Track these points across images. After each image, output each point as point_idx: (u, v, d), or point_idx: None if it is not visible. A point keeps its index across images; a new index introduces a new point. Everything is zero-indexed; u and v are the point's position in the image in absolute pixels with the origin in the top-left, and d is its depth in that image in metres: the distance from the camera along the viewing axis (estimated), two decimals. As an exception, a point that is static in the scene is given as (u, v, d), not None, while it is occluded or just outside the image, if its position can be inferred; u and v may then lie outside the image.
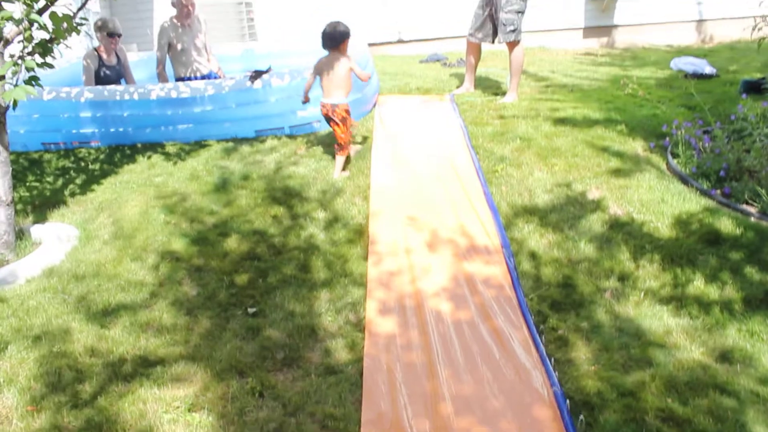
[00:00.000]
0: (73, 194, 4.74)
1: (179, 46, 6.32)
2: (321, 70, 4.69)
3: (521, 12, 6.11)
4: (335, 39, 4.63)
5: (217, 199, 4.40)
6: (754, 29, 4.01)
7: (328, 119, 4.71)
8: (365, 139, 5.26)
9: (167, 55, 6.40)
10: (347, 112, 4.66)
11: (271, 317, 3.22)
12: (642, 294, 3.27)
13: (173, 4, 6.29)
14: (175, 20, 6.35)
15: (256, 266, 3.65)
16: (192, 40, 6.37)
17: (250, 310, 3.27)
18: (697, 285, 3.31)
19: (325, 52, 4.69)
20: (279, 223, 4.08)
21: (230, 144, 5.27)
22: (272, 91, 5.41)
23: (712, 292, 3.25)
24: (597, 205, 4.07)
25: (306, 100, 4.86)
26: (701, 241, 3.65)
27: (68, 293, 3.49)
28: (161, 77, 6.44)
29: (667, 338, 2.94)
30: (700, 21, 11.15)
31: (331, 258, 3.70)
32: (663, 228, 3.80)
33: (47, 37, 3.96)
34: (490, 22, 6.31)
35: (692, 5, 11.06)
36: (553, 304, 3.23)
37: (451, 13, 10.43)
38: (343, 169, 4.72)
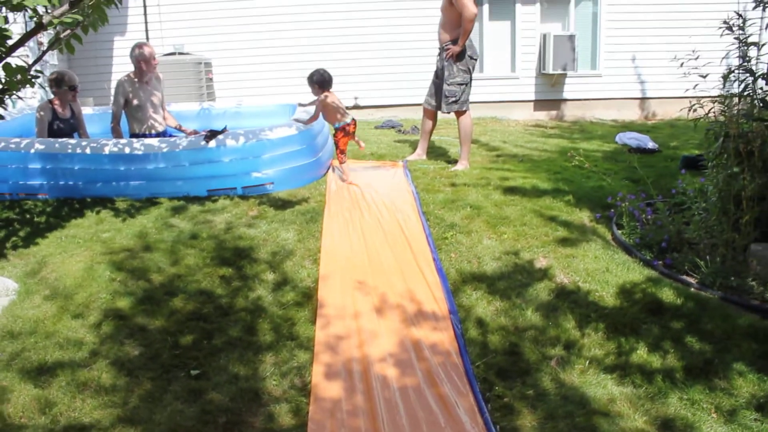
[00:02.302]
0: (15, 247, 4.61)
1: (135, 102, 6.31)
2: (327, 104, 6.00)
3: (465, 84, 6.31)
4: (330, 80, 6.06)
5: (164, 257, 4.33)
6: (690, 110, 4.23)
7: (345, 134, 6.04)
8: (318, 202, 5.28)
9: (123, 111, 6.37)
10: None
11: (214, 380, 3.15)
12: (587, 362, 3.31)
13: (133, 60, 6.31)
14: (132, 76, 6.35)
15: (201, 327, 3.58)
16: (149, 97, 6.37)
17: (193, 372, 3.20)
18: (640, 354, 3.37)
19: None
20: (227, 283, 4.03)
21: (181, 202, 5.22)
22: (226, 151, 5.41)
23: (655, 360, 3.31)
24: (544, 274, 4.14)
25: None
26: (644, 310, 3.73)
27: (2, 350, 3.36)
28: (115, 132, 6.39)
29: (611, 406, 2.97)
30: (643, 99, 11.69)
31: (278, 321, 3.66)
32: (608, 297, 3.88)
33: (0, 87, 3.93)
34: (440, 92, 6.49)
35: (636, 84, 11.61)
36: (500, 372, 3.24)
37: (407, 81, 10.72)
38: None
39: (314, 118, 6.13)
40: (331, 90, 6.09)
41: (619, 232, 4.75)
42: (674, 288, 3.91)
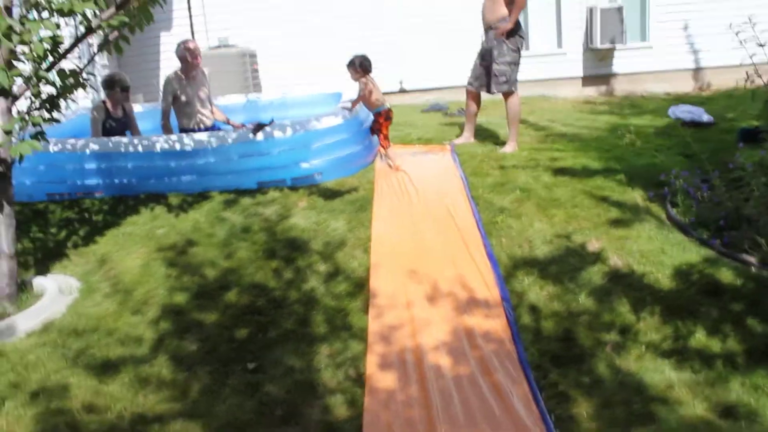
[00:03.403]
0: (75, 246, 4.77)
1: (183, 98, 6.42)
2: (371, 88, 6.06)
3: (514, 63, 6.22)
4: (371, 65, 6.14)
5: (217, 251, 4.42)
6: (747, 80, 4.08)
7: (386, 119, 6.11)
8: (367, 190, 5.29)
9: (171, 107, 6.49)
10: None
11: (270, 373, 3.21)
12: (643, 347, 3.25)
13: (179, 58, 6.41)
14: (179, 73, 6.46)
15: (256, 320, 3.65)
16: (196, 92, 6.47)
17: (250, 366, 3.27)
18: (699, 338, 3.29)
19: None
20: (280, 276, 4.09)
21: (232, 196, 5.30)
22: (275, 143, 5.47)
23: (714, 344, 3.23)
24: (597, 257, 4.08)
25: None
26: (702, 292, 3.64)
27: (68, 347, 3.49)
28: (165, 129, 6.52)
29: (670, 393, 2.92)
30: (698, 69, 11.30)
31: (331, 312, 3.70)
32: (663, 279, 3.80)
33: (54, 92, 4.04)
34: (486, 73, 6.41)
35: (689, 54, 11.23)
36: (554, 359, 3.22)
37: (452, 63, 10.57)
38: None
39: (357, 101, 6.17)
40: (370, 75, 6.12)
41: (674, 210, 4.62)
42: (733, 268, 3.80)
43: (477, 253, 4.22)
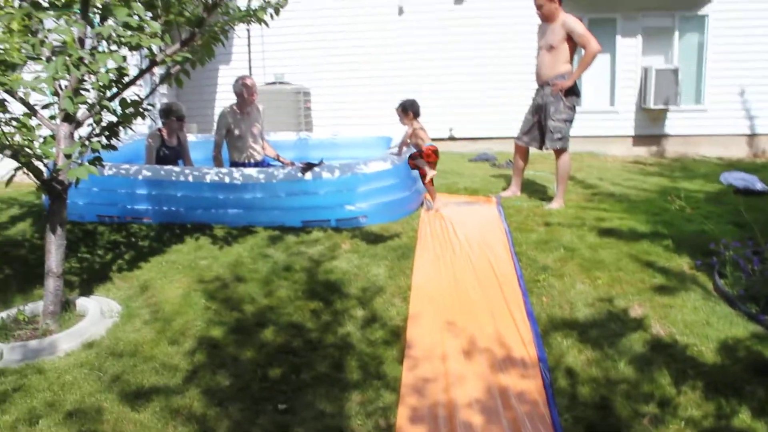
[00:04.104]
0: (120, 269, 4.87)
1: (236, 132, 6.56)
2: (419, 132, 6.17)
3: (569, 121, 6.22)
4: (419, 109, 6.25)
5: (258, 288, 4.46)
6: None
7: (436, 154, 6.15)
8: (410, 238, 5.30)
9: (224, 140, 6.64)
10: None
11: (301, 415, 3.20)
12: (683, 423, 3.14)
13: (235, 93, 6.58)
14: (235, 107, 6.62)
15: (290, 360, 3.65)
16: (249, 128, 6.62)
17: (281, 407, 3.25)
18: (743, 418, 3.17)
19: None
20: (317, 317, 4.10)
21: (276, 232, 5.37)
22: (322, 183, 5.54)
23: (760, 427, 3.10)
24: (639, 324, 3.99)
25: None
26: (748, 369, 3.52)
27: (105, 371, 3.54)
28: (216, 161, 6.66)
29: (709, 474, 2.81)
30: (753, 135, 11.16)
31: (366, 358, 3.68)
32: (707, 352, 3.69)
33: (115, 120, 4.18)
34: (538, 129, 6.42)
35: (744, 120, 11.11)
36: (589, 426, 3.13)
37: (502, 114, 10.66)
38: None
39: (403, 144, 6.24)
40: (418, 120, 6.24)
41: (722, 281, 4.50)
42: (782, 346, 3.68)
43: (517, 310, 4.17)
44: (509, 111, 10.21)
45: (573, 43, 6.10)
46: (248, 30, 10.74)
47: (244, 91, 6.52)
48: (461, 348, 3.78)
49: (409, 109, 6.16)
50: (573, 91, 6.16)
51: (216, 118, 10.99)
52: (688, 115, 11.12)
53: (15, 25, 3.90)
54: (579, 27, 6.05)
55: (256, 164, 6.60)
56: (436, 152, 6.18)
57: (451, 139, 11.20)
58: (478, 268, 4.77)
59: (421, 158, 6.15)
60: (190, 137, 7.67)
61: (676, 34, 11.05)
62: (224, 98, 10.99)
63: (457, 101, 11.12)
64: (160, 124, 6.75)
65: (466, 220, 5.86)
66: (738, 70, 10.92)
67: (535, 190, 7.07)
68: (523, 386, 3.43)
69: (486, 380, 3.48)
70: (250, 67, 11.00)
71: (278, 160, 6.86)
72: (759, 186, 7.25)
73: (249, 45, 11.00)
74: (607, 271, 4.65)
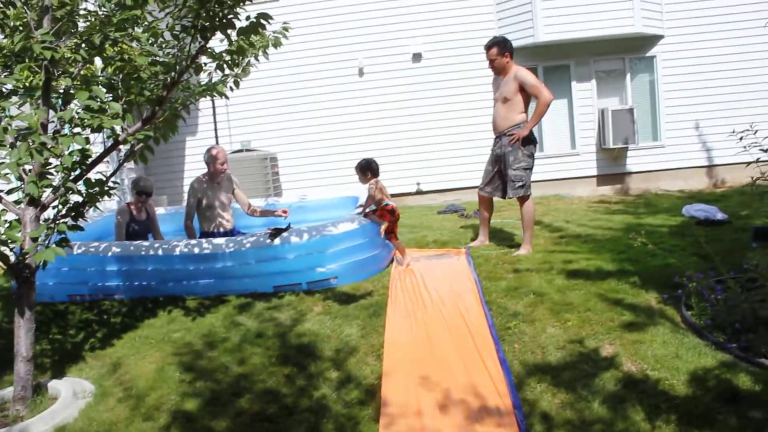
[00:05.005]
0: (92, 348, 4.83)
1: (205, 202, 6.62)
2: (381, 189, 6.25)
3: (529, 168, 6.37)
4: (378, 168, 6.37)
5: (231, 356, 4.45)
6: (754, 182, 4.15)
7: (391, 214, 6.21)
8: (381, 295, 5.34)
9: (195, 210, 6.69)
10: None
11: (279, 483, 3.18)
12: (659, 459, 3.19)
13: (205, 163, 6.65)
14: (204, 177, 6.69)
15: (267, 428, 3.63)
16: (218, 197, 6.68)
17: (259, 476, 3.24)
18: (717, 448, 3.22)
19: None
20: (292, 382, 4.10)
21: (248, 299, 5.38)
22: (291, 248, 5.59)
23: (733, 456, 3.16)
24: (610, 362, 4.05)
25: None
26: (719, 399, 3.58)
27: (80, 455, 3.50)
28: (188, 230, 6.69)
29: None
30: (711, 167, 11.49)
31: (342, 420, 3.68)
32: (678, 385, 3.75)
33: (80, 200, 4.22)
34: (499, 178, 6.57)
35: (701, 152, 11.45)
36: (567, 470, 3.15)
37: (467, 164, 10.88)
38: None
39: (367, 204, 6.35)
40: (377, 179, 6.37)
41: (689, 313, 4.59)
42: (751, 373, 3.74)
43: (489, 359, 4.20)
44: (474, 161, 10.43)
45: (526, 93, 6.30)
46: (213, 101, 10.92)
47: (212, 162, 6.61)
48: (436, 402, 3.79)
49: (366, 169, 6.28)
50: (530, 140, 6.33)
51: (186, 189, 11.10)
52: (647, 152, 11.44)
53: (-21, 113, 3.97)
54: (530, 78, 6.27)
55: (226, 233, 6.64)
56: (392, 212, 6.27)
57: (419, 193, 11.37)
58: (450, 320, 4.82)
59: (388, 230, 6.27)
60: (160, 210, 7.71)
61: (628, 75, 11.44)
62: (193, 168, 11.10)
63: (422, 155, 11.34)
64: (129, 199, 6.78)
65: (436, 273, 5.93)
66: (691, 105, 11.32)
67: (502, 238, 7.18)
68: (500, 435, 3.45)
69: (463, 432, 3.50)
70: (216, 137, 11.14)
71: (274, 214, 6.90)
72: (719, 216, 7.44)
73: (214, 115, 11.16)
74: (576, 313, 4.73)
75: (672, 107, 11.37)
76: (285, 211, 6.77)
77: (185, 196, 10.99)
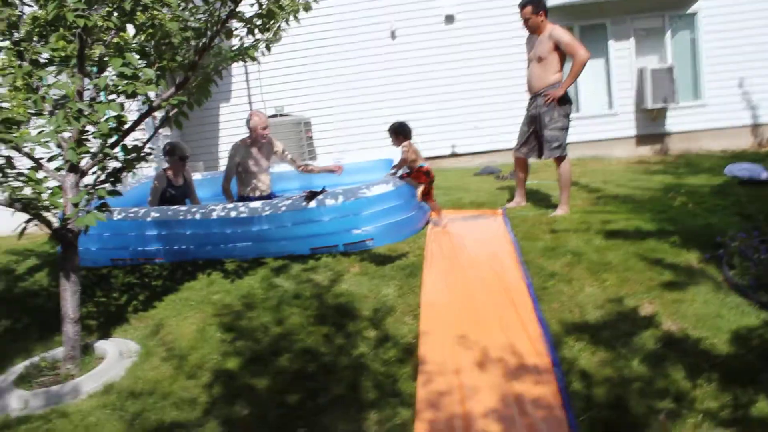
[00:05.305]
0: (136, 310, 4.94)
1: (244, 166, 6.64)
2: (415, 152, 6.22)
3: (565, 129, 6.27)
4: (410, 130, 6.33)
5: (270, 317, 4.51)
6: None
7: (427, 176, 6.20)
8: (417, 256, 5.35)
9: (234, 172, 6.73)
10: None
11: (320, 439, 3.24)
12: (700, 416, 3.16)
13: (248, 128, 6.66)
14: (246, 141, 6.70)
15: (306, 386, 3.70)
16: (258, 162, 6.70)
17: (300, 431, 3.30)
18: (761, 406, 3.18)
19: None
20: (330, 341, 4.15)
21: (286, 261, 5.43)
22: (327, 210, 5.61)
23: (778, 414, 3.12)
24: (650, 321, 4.01)
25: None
26: (763, 357, 3.54)
27: (125, 410, 3.60)
28: (226, 192, 6.73)
29: (729, 465, 2.82)
30: (755, 125, 11.16)
31: (380, 378, 3.72)
32: (720, 344, 3.71)
33: (118, 166, 4.28)
34: (535, 139, 6.48)
35: (745, 110, 11.12)
36: (606, 427, 3.15)
37: (503, 126, 10.74)
38: None
39: (399, 166, 6.33)
40: (411, 140, 6.32)
41: (731, 272, 4.52)
42: (795, 332, 3.69)
43: (527, 318, 4.20)
44: (509, 123, 10.29)
45: (562, 52, 6.18)
46: (245, 66, 10.92)
47: (254, 128, 6.63)
48: (474, 360, 3.81)
49: (399, 131, 6.25)
50: (565, 100, 6.22)
51: (220, 154, 11.19)
52: (688, 111, 11.15)
53: (19, 83, 4.04)
54: (566, 36, 6.13)
55: (263, 197, 6.68)
56: (427, 173, 6.24)
57: (454, 155, 11.28)
58: (487, 280, 4.81)
59: (424, 192, 6.25)
60: (196, 175, 7.78)
61: (668, 33, 11.12)
62: (227, 135, 11.17)
63: (457, 118, 11.23)
64: (164, 165, 6.85)
65: (472, 233, 5.91)
66: (735, 63, 10.97)
67: (539, 199, 7.11)
68: (538, 392, 3.46)
69: (501, 389, 3.51)
70: (249, 102, 11.16)
71: (331, 171, 7.02)
72: (764, 175, 7.23)
73: (247, 81, 11.18)
74: (615, 273, 4.68)
75: (714, 65, 11.03)
76: (339, 167, 6.83)
77: (221, 161, 11.14)
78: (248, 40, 4.96)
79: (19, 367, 4.17)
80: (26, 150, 4.02)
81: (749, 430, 3.03)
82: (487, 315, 4.32)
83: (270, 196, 6.78)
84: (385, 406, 3.46)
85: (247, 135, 6.74)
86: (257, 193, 6.74)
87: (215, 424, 3.41)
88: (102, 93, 4.08)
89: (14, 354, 4.43)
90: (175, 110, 4.54)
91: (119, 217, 5.84)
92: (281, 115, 10.18)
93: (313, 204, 5.60)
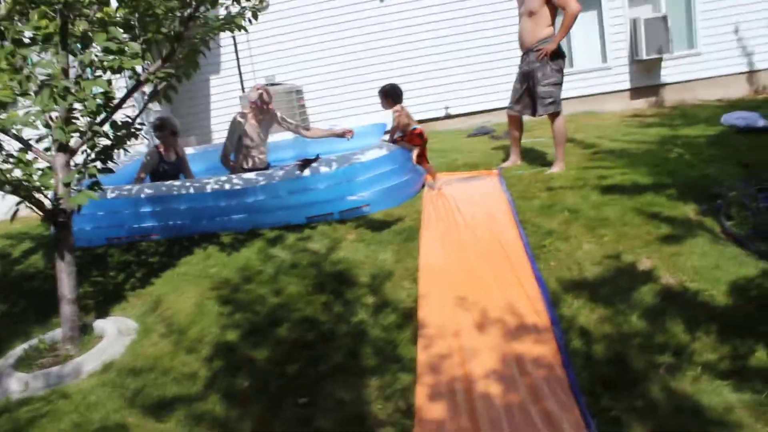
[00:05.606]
0: (133, 288, 4.93)
1: (245, 140, 6.56)
2: (406, 115, 6.20)
3: (559, 84, 6.19)
4: (401, 93, 6.30)
5: (268, 288, 4.50)
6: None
7: (420, 137, 6.17)
8: (414, 220, 5.32)
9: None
10: None
11: (321, 406, 3.24)
12: (699, 368, 3.15)
13: (252, 102, 6.53)
14: (248, 114, 6.59)
15: (306, 355, 3.70)
16: (259, 135, 6.62)
17: (301, 401, 3.30)
18: (760, 356, 3.18)
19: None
20: (329, 309, 4.14)
21: (282, 232, 5.41)
22: (321, 177, 5.56)
23: (777, 363, 3.11)
24: (648, 276, 4.00)
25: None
26: (761, 307, 3.52)
27: (126, 387, 3.61)
28: (228, 165, 6.65)
29: (729, 416, 2.82)
30: (751, 72, 11.03)
31: (380, 344, 3.72)
32: (719, 296, 3.70)
33: (109, 143, 4.23)
34: (528, 96, 6.40)
35: (741, 58, 10.98)
36: (606, 383, 3.15)
37: (496, 85, 10.62)
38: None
39: (393, 131, 6.27)
40: (401, 104, 6.27)
41: (729, 223, 4.49)
42: (795, 280, 3.67)
43: (525, 277, 4.19)
44: (502, 81, 10.18)
45: (553, 5, 6.06)
46: (233, 37, 10.75)
47: (252, 100, 6.52)
48: (473, 322, 3.80)
49: (389, 94, 6.17)
50: (558, 54, 6.13)
51: (213, 128, 11.08)
52: (683, 61, 11.01)
53: (3, 65, 3.95)
54: None
55: (260, 169, 6.61)
56: (420, 135, 6.18)
57: (447, 117, 11.17)
58: (484, 241, 4.79)
59: (419, 155, 6.18)
60: (189, 150, 7.71)
61: (661, -19, 10.93)
62: (218, 108, 11.05)
63: (449, 79, 11.08)
64: (157, 142, 6.78)
65: (468, 195, 5.87)
66: (728, 7, 10.78)
67: (535, 157, 7.06)
68: (538, 351, 3.46)
69: (500, 350, 3.51)
70: (240, 73, 11.01)
71: (341, 135, 6.78)
72: (761, 123, 7.16)
73: (236, 52, 11.01)
74: (612, 228, 4.66)
75: (708, 11, 10.85)
76: (350, 131, 6.68)
77: (214, 135, 11.03)
78: (234, 9, 4.87)
79: (18, 349, 4.17)
80: (14, 132, 3.97)
81: (748, 380, 3.02)
82: (485, 276, 4.31)
83: (267, 167, 6.72)
84: (385, 371, 3.46)
85: (248, 108, 6.62)
86: (255, 165, 6.65)
87: (216, 397, 3.41)
88: (88, 69, 4.01)
89: (13, 337, 4.42)
90: (164, 84, 4.47)
91: (113, 195, 5.79)
92: (272, 84, 10.05)
93: (306, 172, 5.55)
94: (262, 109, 6.55)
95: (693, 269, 3.98)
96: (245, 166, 6.64)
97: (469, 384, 3.26)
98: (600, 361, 3.33)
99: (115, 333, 4.20)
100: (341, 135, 6.69)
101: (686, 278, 3.90)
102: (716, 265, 3.99)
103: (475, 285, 4.22)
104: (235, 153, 6.69)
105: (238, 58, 11.03)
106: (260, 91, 6.54)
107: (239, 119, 6.58)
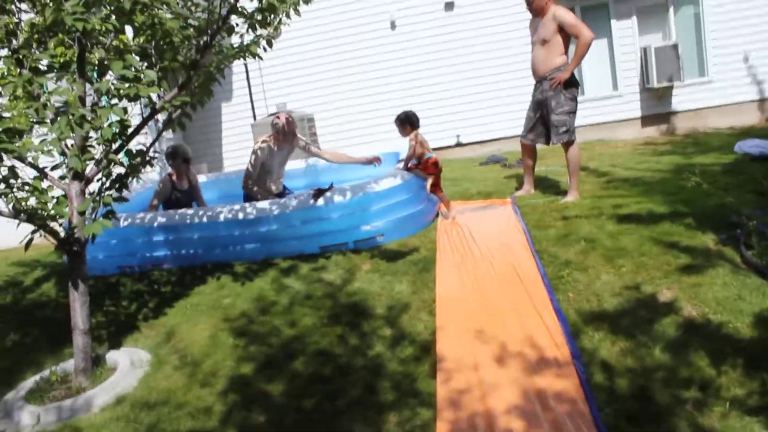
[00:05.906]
0: (146, 318, 4.89)
1: (267, 168, 6.52)
2: (422, 143, 6.16)
3: (572, 112, 6.17)
4: (418, 120, 6.29)
5: (283, 319, 4.45)
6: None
7: (435, 166, 6.16)
8: (429, 250, 5.27)
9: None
10: None
11: (339, 443, 3.18)
12: (727, 404, 3.08)
13: (276, 130, 6.49)
14: (271, 143, 6.56)
15: (322, 389, 3.63)
16: (277, 162, 6.59)
17: (318, 437, 3.24)
18: (789, 391, 3.11)
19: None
20: (345, 342, 4.08)
21: (295, 261, 5.36)
22: (335, 207, 5.53)
23: (807, 399, 3.04)
24: (669, 307, 3.93)
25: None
26: (788, 340, 3.45)
27: (140, 422, 3.54)
28: (251, 190, 6.54)
29: (760, 454, 2.75)
30: (762, 100, 11.02)
31: (398, 377, 3.65)
32: (743, 328, 3.62)
33: (123, 172, 4.22)
34: (542, 125, 6.39)
35: (752, 85, 10.99)
36: (630, 418, 3.08)
37: (508, 113, 10.64)
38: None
39: (408, 158, 6.24)
40: (418, 131, 6.24)
41: (749, 253, 4.42)
42: (820, 312, 3.60)
43: (544, 309, 4.12)
44: (514, 109, 10.20)
45: (566, 34, 6.07)
46: (245, 65, 10.83)
47: (274, 129, 6.48)
48: (492, 355, 3.74)
49: (405, 121, 6.17)
50: (572, 83, 6.12)
51: (224, 155, 11.12)
52: (694, 89, 11.02)
53: (20, 92, 3.97)
54: (569, 17, 6.03)
55: (277, 196, 6.57)
56: (435, 164, 6.17)
57: (459, 145, 11.18)
58: (501, 272, 4.73)
59: (433, 185, 6.18)
60: (201, 177, 7.71)
61: (671, 9, 10.97)
62: (230, 135, 11.10)
63: (460, 107, 11.12)
64: (170, 170, 6.78)
65: (483, 224, 5.82)
66: (739, 36, 10.83)
67: (548, 186, 7.02)
68: (560, 386, 3.39)
69: (521, 384, 3.44)
70: (252, 101, 11.08)
71: (368, 162, 6.75)
72: (775, 151, 7.12)
73: (248, 79, 11.09)
74: (630, 258, 4.59)
75: (719, 39, 10.89)
76: (378, 158, 6.65)
77: (225, 162, 11.06)
78: (248, 37, 4.89)
79: (30, 381, 4.13)
80: (30, 159, 3.96)
81: (778, 416, 2.94)
82: (503, 307, 4.25)
83: (282, 194, 6.68)
84: (404, 406, 3.40)
85: (269, 136, 6.58)
86: (272, 191, 6.61)
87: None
88: (104, 97, 4.01)
89: (25, 368, 4.38)
90: (179, 112, 4.47)
91: (125, 223, 5.78)
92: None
93: (320, 202, 5.52)
94: (287, 136, 6.53)
95: (715, 300, 3.91)
96: (263, 191, 6.59)
97: (491, 419, 3.19)
98: (623, 395, 3.25)
99: (128, 365, 4.16)
100: (369, 162, 6.65)
101: (708, 310, 3.83)
102: (739, 295, 3.92)
103: (493, 317, 4.16)
104: (256, 179, 6.65)
105: (249, 86, 11.10)
106: (286, 118, 6.53)
107: (266, 147, 6.52)
